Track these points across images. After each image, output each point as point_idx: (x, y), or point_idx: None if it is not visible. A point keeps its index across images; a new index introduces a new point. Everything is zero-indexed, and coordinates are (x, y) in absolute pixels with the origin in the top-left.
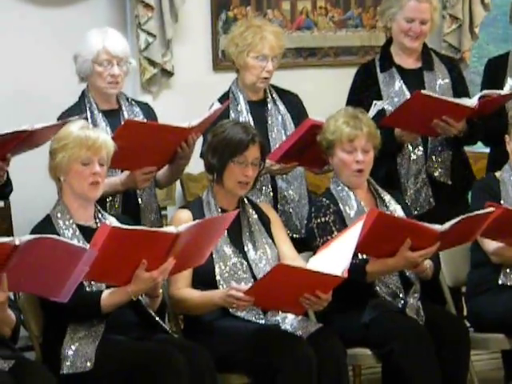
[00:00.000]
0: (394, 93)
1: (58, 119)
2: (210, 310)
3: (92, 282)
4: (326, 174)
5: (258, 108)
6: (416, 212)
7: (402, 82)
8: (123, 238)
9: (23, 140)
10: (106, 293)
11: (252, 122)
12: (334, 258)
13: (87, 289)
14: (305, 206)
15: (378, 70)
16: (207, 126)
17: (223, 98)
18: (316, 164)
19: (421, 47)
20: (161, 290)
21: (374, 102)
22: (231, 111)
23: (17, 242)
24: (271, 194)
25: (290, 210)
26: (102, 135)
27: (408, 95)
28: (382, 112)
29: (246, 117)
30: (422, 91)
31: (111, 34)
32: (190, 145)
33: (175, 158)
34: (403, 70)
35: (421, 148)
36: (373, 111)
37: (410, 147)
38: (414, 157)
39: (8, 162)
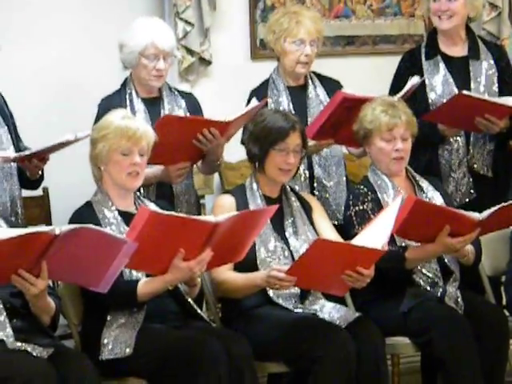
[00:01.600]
0: (438, 81)
1: (98, 106)
2: (251, 292)
3: (132, 271)
4: (362, 158)
5: (298, 93)
6: (456, 203)
7: (446, 70)
8: (162, 223)
9: (67, 144)
10: (142, 281)
11: (292, 108)
12: (373, 234)
13: (126, 277)
14: (343, 193)
15: (423, 57)
16: (242, 123)
17: (260, 88)
18: (353, 141)
19: (464, 33)
20: (199, 279)
21: (410, 76)
22: (270, 98)
23: (57, 232)
24: (307, 180)
25: (327, 196)
26: (143, 125)
27: (452, 83)
28: (426, 100)
29: (285, 102)
30: (464, 92)
31: (160, 28)
32: (218, 137)
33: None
34: (449, 58)
35: (462, 139)
36: (408, 86)
37: (452, 138)
38: (455, 148)
39: (46, 161)
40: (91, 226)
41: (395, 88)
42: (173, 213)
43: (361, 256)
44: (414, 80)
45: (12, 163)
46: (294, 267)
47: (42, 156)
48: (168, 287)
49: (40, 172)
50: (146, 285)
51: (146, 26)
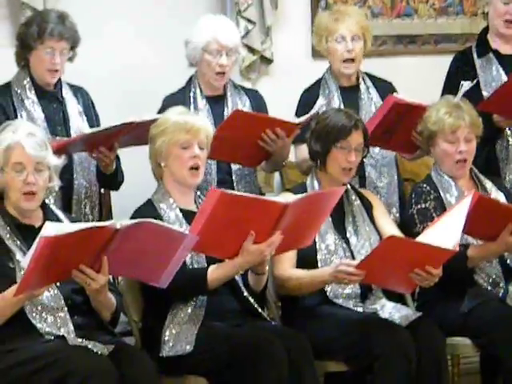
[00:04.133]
0: (492, 78)
1: (163, 102)
2: (316, 289)
3: (194, 260)
4: (418, 159)
5: (350, 94)
6: None
7: (499, 67)
8: (232, 203)
9: (132, 130)
10: (212, 267)
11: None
12: (443, 233)
13: (190, 267)
14: (394, 193)
15: (475, 56)
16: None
17: (312, 88)
18: (407, 148)
19: None
20: (267, 267)
21: (462, 82)
22: (321, 98)
23: (118, 226)
24: (357, 179)
25: (378, 197)
26: (200, 119)
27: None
28: (480, 97)
29: (336, 103)
30: None
31: (223, 24)
32: (283, 138)
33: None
34: (500, 56)
35: None
36: (460, 92)
37: (509, 132)
38: None
39: (115, 150)
40: (152, 220)
41: (448, 88)
42: (243, 193)
43: (431, 255)
44: (466, 85)
45: (93, 160)
46: (363, 262)
47: (110, 144)
48: (239, 271)
49: (113, 167)
50: (216, 270)
51: (209, 22)
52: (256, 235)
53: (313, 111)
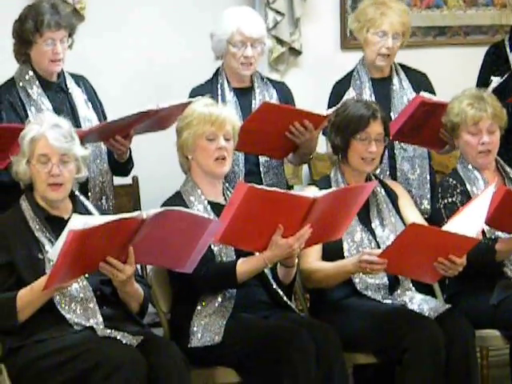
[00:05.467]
0: None
1: (189, 95)
2: (342, 280)
3: (223, 253)
4: (450, 153)
5: (382, 85)
6: None
7: None
8: (260, 198)
9: (149, 118)
10: (241, 261)
11: (374, 99)
12: (466, 222)
13: (218, 259)
14: (425, 185)
15: (508, 49)
16: None
17: (343, 80)
18: (435, 144)
19: None
20: (296, 260)
21: (491, 78)
22: (352, 89)
23: (144, 216)
24: (388, 171)
25: (410, 189)
26: (226, 110)
27: None
28: None
29: (367, 94)
30: None
31: (247, 15)
32: (311, 130)
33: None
34: None
35: None
36: (490, 88)
37: None
38: None
39: (130, 138)
40: (176, 207)
41: (482, 81)
42: (271, 188)
43: (454, 243)
44: (495, 81)
45: (103, 146)
46: (386, 251)
47: (126, 132)
48: (267, 265)
49: (128, 155)
50: (245, 263)
51: (233, 14)
52: (284, 229)
53: (342, 103)
